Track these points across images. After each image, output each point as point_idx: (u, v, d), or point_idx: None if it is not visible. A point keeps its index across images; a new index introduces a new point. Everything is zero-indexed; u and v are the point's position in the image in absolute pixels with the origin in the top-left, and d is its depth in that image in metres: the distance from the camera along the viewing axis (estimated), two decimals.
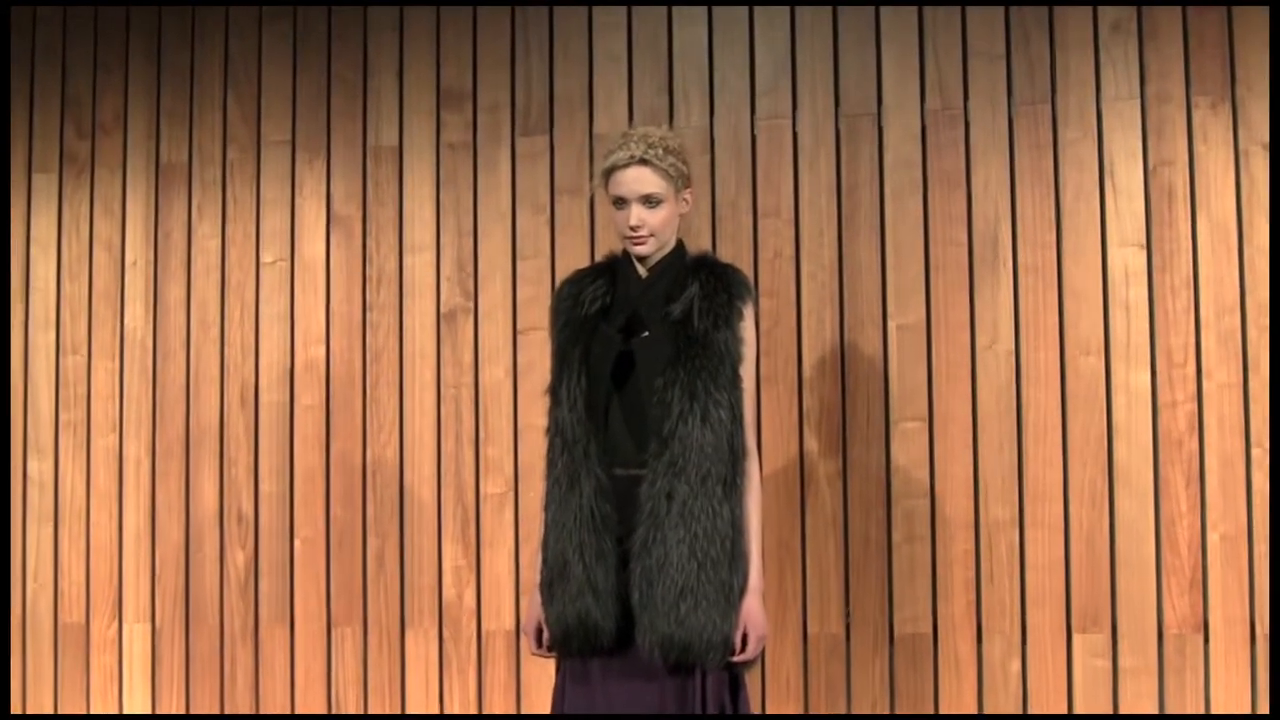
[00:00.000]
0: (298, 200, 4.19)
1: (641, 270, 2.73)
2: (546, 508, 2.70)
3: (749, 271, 3.58)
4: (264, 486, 4.14)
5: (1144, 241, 3.57)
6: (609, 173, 2.69)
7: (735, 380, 2.62)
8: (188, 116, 4.29)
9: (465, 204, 4.04)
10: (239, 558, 4.13)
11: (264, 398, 4.16)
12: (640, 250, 2.70)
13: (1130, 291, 3.57)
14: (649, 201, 2.66)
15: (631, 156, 2.64)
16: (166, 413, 4.23)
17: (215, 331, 4.22)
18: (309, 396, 4.12)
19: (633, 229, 2.66)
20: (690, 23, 3.90)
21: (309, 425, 4.11)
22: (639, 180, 2.65)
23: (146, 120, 4.33)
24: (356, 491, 4.06)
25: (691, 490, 2.53)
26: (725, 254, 3.58)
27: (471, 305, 4.01)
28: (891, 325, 3.70)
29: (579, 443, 2.63)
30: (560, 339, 2.74)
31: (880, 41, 3.77)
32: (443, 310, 4.04)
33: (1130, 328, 3.57)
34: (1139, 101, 3.61)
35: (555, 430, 2.69)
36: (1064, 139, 3.64)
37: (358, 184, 4.13)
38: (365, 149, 4.13)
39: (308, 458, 4.11)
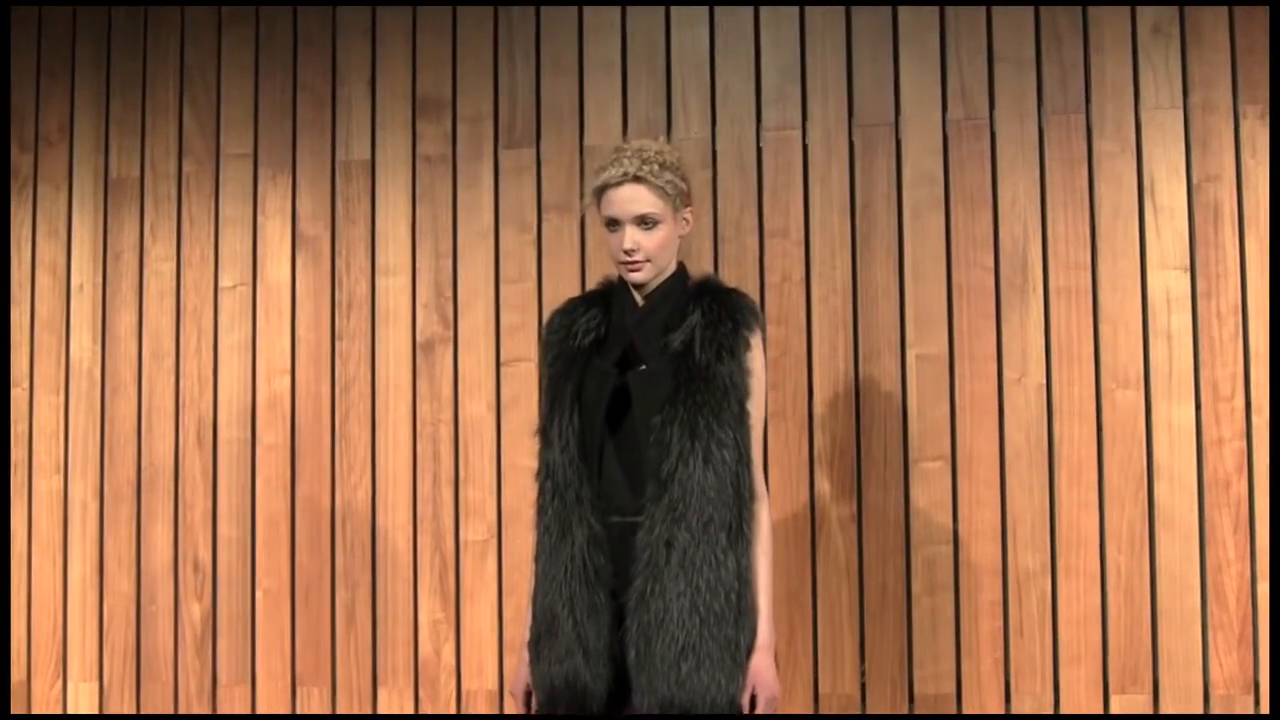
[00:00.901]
0: (260, 219, 4.16)
1: (638, 297, 2.69)
2: (537, 558, 2.67)
3: (755, 297, 3.55)
4: (223, 533, 4.10)
5: (1187, 264, 3.56)
6: (600, 191, 2.65)
7: (741, 417, 2.58)
8: (139, 127, 4.26)
9: (444, 223, 4.01)
10: (195, 611, 4.09)
11: (223, 435, 4.12)
12: (636, 276, 2.65)
13: (1172, 318, 3.56)
14: (645, 223, 2.62)
15: (625, 174, 2.61)
16: (116, 452, 4.20)
17: (170, 362, 4.18)
18: (272, 434, 4.09)
19: (627, 253, 2.62)
20: (690, 25, 3.87)
21: (272, 465, 4.08)
22: (634, 199, 2.61)
23: (94, 131, 4.30)
24: (324, 538, 4.03)
25: (693, 538, 2.49)
26: (729, 278, 3.36)
27: (450, 334, 3.98)
28: (911, 355, 3.68)
29: (570, 487, 2.60)
30: (551, 374, 2.71)
31: (898, 45, 3.75)
32: (419, 339, 4.00)
33: (1173, 358, 3.55)
34: (1181, 111, 3.60)
35: (545, 474, 2.65)
36: (1099, 152, 3.62)
37: (326, 201, 4.11)
38: (334, 163, 4.11)
39: (271, 501, 4.07)
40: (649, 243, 2.62)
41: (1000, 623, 3.57)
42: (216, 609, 4.07)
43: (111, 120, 4.28)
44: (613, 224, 2.65)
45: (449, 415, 3.95)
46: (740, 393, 2.58)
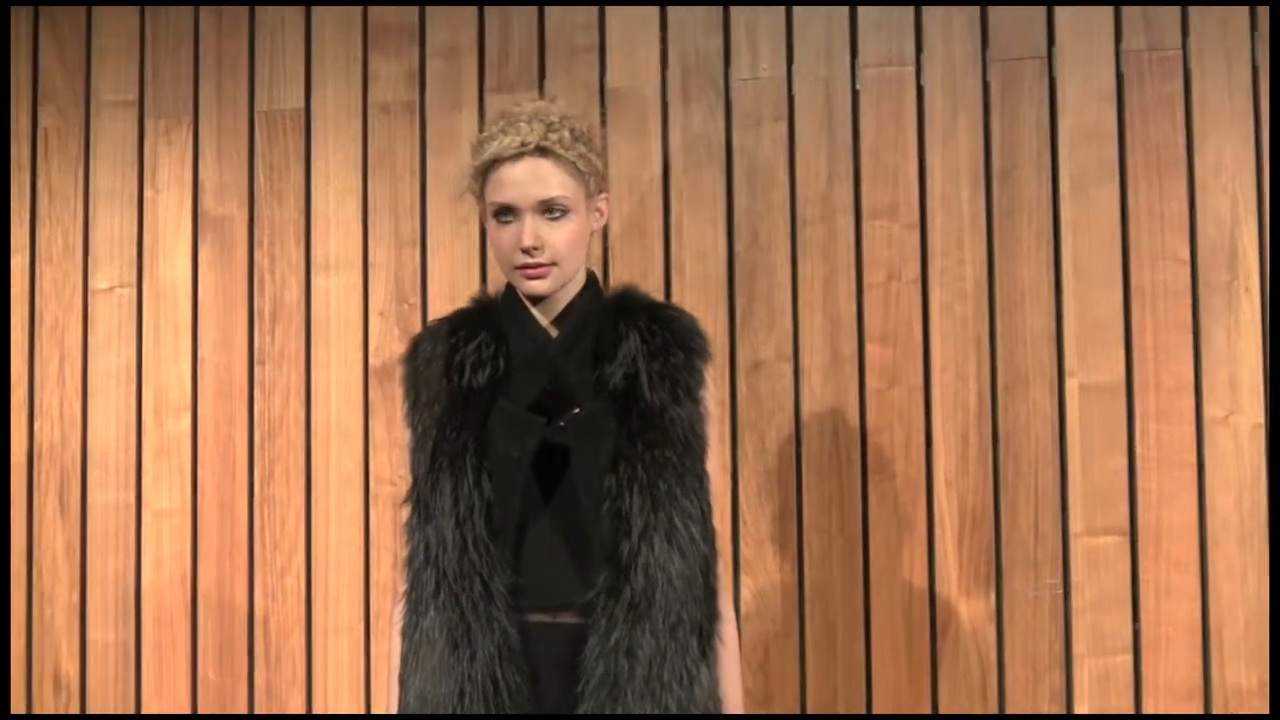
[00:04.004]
0: (148, 193, 3.88)
1: (541, 317, 2.55)
2: (404, 679, 2.50)
3: (849, 301, 3.42)
4: (95, 636, 3.82)
5: None
6: (487, 169, 2.50)
7: (703, 480, 2.49)
8: None
9: (408, 198, 3.73)
10: None
11: (96, 498, 3.85)
12: (537, 286, 2.49)
13: None
14: (551, 211, 2.47)
15: (524, 144, 2.47)
16: None
17: (21, 394, 3.91)
18: (165, 496, 3.80)
19: (526, 252, 2.46)
20: None
21: (166, 542, 3.79)
22: (536, 179, 2.47)
23: None
24: (239, 643, 3.75)
25: (658, 645, 2.40)
26: (811, 274, 3.47)
27: None
28: (1071, 385, 3.39)
29: (472, 577, 2.44)
30: (428, 423, 2.54)
31: None
32: (373, 362, 3.72)
33: None
34: None
35: (424, 559, 2.48)
36: None
37: (242, 168, 3.85)
38: (253, 114, 3.85)
39: (162, 591, 3.79)
40: (557, 239, 2.47)
41: None
42: None
43: None
44: (505, 213, 2.48)
45: None
46: (701, 445, 2.49)
